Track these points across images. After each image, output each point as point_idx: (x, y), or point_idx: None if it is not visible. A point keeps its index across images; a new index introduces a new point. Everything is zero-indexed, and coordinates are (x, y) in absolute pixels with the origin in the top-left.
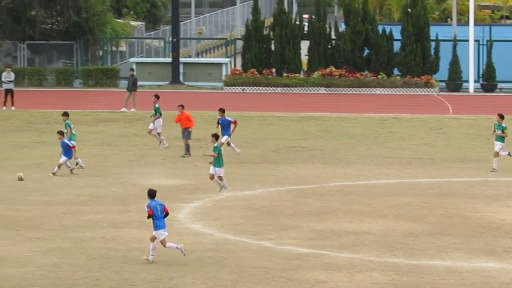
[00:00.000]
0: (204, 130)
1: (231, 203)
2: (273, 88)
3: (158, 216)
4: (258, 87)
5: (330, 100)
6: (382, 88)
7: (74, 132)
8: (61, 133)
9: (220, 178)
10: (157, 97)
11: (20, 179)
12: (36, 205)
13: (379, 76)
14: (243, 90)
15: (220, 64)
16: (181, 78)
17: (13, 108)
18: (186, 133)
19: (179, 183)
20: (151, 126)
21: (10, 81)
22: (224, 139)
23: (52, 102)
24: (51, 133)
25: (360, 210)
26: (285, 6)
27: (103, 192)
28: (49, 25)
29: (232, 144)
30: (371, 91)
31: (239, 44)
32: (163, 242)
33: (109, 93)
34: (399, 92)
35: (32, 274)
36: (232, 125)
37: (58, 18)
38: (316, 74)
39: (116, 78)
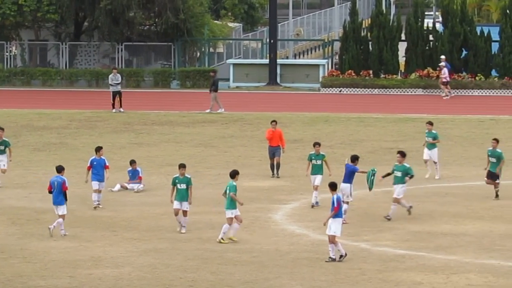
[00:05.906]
0: (300, 132)
1: (327, 204)
2: (370, 89)
3: (53, 191)
4: (356, 89)
5: (428, 101)
6: (480, 90)
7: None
8: None
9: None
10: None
11: None
12: (133, 205)
13: (477, 78)
14: (340, 91)
15: (317, 66)
16: (278, 80)
17: (121, 110)
18: (278, 152)
19: (276, 184)
20: None
21: (117, 83)
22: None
23: (149, 104)
24: (148, 134)
25: (457, 212)
26: (383, 7)
27: (200, 193)
28: (147, 26)
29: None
30: (468, 93)
31: (337, 45)
32: (61, 216)
33: (207, 94)
34: (497, 93)
35: (128, 275)
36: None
37: (156, 20)
38: (413, 76)
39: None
